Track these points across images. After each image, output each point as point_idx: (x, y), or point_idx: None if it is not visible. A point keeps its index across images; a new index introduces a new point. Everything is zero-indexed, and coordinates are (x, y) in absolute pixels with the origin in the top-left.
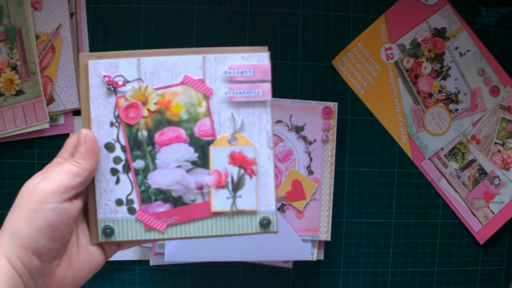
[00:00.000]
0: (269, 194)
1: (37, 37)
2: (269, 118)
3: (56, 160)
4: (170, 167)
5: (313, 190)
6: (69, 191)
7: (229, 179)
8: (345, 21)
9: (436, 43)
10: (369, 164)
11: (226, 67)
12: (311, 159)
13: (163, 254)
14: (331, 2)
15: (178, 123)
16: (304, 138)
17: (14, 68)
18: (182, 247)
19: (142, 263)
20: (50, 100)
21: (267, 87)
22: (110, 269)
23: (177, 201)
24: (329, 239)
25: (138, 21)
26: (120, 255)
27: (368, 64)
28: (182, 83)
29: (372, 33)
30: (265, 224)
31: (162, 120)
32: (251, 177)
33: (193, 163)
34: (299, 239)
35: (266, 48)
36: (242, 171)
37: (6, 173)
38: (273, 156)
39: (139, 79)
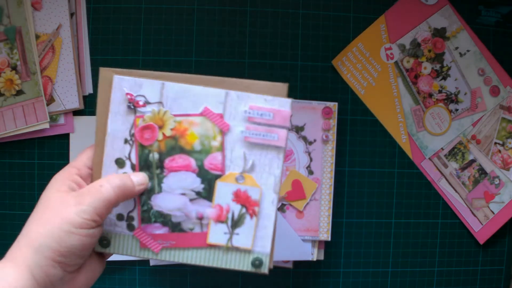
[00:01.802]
0: (266, 236)
1: (37, 37)
2: (280, 164)
3: (71, 170)
4: (175, 193)
5: (313, 190)
6: (102, 218)
7: (230, 215)
8: (345, 21)
9: (436, 43)
10: (369, 164)
11: (247, 106)
12: (311, 159)
13: None
14: (331, 2)
15: (190, 152)
16: (304, 138)
17: (14, 68)
18: None
19: (142, 263)
20: (50, 100)
21: (284, 133)
22: (110, 269)
23: (175, 227)
24: (329, 239)
25: (138, 21)
26: (120, 255)
27: (368, 64)
28: (201, 114)
29: (372, 33)
30: (256, 264)
31: (175, 146)
32: (251, 217)
33: (198, 193)
34: (299, 239)
35: (286, 85)
36: (244, 209)
37: (6, 173)
38: (277, 201)
39: (160, 103)
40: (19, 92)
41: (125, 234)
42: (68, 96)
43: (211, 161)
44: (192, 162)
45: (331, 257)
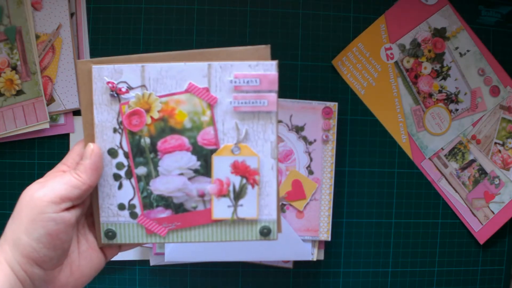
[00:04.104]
0: (271, 203)
1: (37, 37)
2: (274, 129)
3: (60, 167)
4: (172, 174)
5: (313, 190)
6: (65, 201)
7: (231, 188)
8: (345, 21)
9: (436, 43)
10: (369, 164)
11: (231, 75)
12: (311, 159)
13: (163, 254)
14: (331, 2)
15: (181, 131)
16: (304, 138)
17: (14, 68)
18: (182, 247)
19: (142, 263)
20: (50, 100)
21: (273, 97)
22: (110, 269)
23: (178, 208)
24: (329, 239)
25: (138, 21)
26: (120, 255)
27: (368, 64)
28: (186, 91)
29: (372, 33)
30: (265, 233)
31: (165, 128)
32: (253, 186)
33: (196, 171)
34: (299, 239)
35: (268, 47)
36: (244, 180)
37: (6, 173)
38: (276, 166)
39: (143, 86)
40: (19, 92)
41: (129, 222)
42: (68, 96)
43: (204, 137)
44: (185, 141)
45: (331, 257)
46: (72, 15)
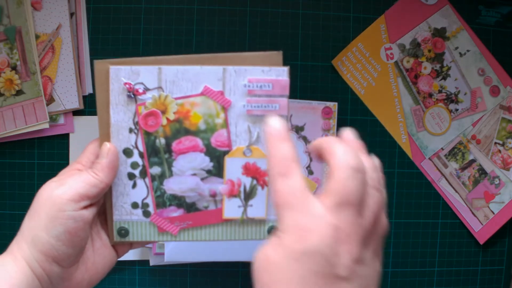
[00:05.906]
0: None
1: (37, 37)
2: None
3: (75, 165)
4: (186, 174)
5: (313, 190)
6: (84, 200)
7: (242, 189)
8: (345, 21)
9: (436, 43)
10: None
11: (245, 80)
12: (311, 159)
13: (163, 254)
14: (331, 2)
15: (195, 132)
16: (304, 138)
17: (14, 68)
18: (182, 247)
19: (142, 263)
20: (50, 100)
21: (284, 102)
22: None
23: (190, 207)
24: None
25: (138, 21)
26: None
27: (368, 64)
28: (201, 93)
29: (372, 33)
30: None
31: (180, 129)
32: (263, 187)
33: (208, 172)
34: None
35: (280, 53)
36: (254, 181)
37: (6, 173)
38: None
39: (159, 88)
40: (19, 92)
41: (142, 221)
42: (68, 96)
43: (217, 139)
44: (199, 142)
45: None
46: (72, 15)
